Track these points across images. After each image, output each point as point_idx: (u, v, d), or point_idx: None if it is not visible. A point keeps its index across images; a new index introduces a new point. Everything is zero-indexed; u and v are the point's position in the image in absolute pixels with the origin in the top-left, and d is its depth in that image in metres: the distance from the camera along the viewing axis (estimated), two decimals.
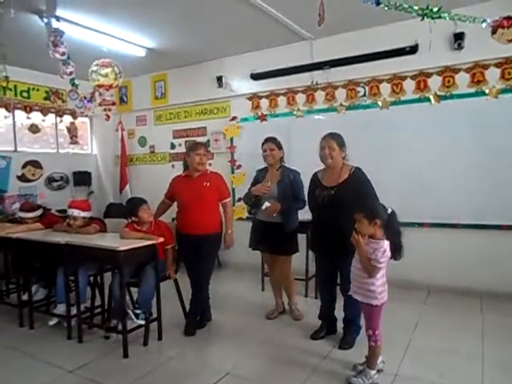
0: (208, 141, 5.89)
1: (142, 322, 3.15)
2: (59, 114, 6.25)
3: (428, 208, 4.37)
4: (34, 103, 5.88)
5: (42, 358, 3.01)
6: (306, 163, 3.39)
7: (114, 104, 4.17)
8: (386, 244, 2.45)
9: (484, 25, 2.20)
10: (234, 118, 5.73)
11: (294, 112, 5.25)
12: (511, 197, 3.97)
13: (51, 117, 6.19)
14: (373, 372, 2.56)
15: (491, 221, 4.10)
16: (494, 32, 2.23)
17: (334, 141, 3.09)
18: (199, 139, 5.88)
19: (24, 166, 5.82)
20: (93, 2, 3.74)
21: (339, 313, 3.22)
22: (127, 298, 3.34)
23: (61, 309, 3.45)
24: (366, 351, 2.63)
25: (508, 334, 3.24)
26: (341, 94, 4.95)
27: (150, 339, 3.20)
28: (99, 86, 3.49)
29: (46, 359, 2.99)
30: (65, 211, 4.55)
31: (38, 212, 4.02)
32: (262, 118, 5.48)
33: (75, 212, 3.56)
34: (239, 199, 5.34)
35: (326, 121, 4.96)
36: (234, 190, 5.59)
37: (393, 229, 2.51)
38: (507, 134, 3.99)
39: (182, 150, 6.06)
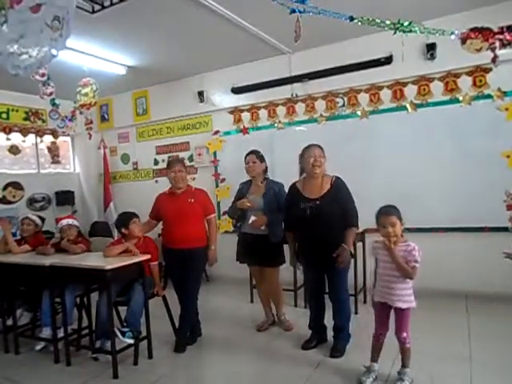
0: (191, 155, 5.91)
1: (131, 341, 3.09)
2: (39, 134, 6.19)
3: (410, 214, 4.41)
4: (13, 124, 5.82)
5: None
6: (288, 174, 3.44)
7: (91, 122, 4.23)
8: (412, 243, 2.53)
9: (453, 37, 2.29)
10: (216, 132, 5.77)
11: (276, 124, 5.33)
12: (490, 199, 4.07)
13: (31, 137, 6.14)
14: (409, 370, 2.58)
15: (472, 223, 4.20)
16: (463, 42, 2.33)
17: (321, 150, 3.11)
18: (182, 154, 5.92)
19: (4, 188, 5.74)
20: (73, 23, 3.74)
21: (329, 322, 3.24)
22: (115, 317, 3.29)
23: (46, 332, 3.36)
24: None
25: (493, 334, 3.31)
26: (320, 105, 5.05)
27: (141, 358, 3.16)
28: (82, 106, 3.53)
29: None
30: (48, 232, 4.49)
31: None
32: (244, 131, 5.54)
33: (68, 221, 3.57)
34: (224, 213, 5.35)
35: (307, 132, 5.04)
36: (218, 203, 5.60)
37: None
38: (482, 139, 4.12)
39: (166, 165, 6.06)
